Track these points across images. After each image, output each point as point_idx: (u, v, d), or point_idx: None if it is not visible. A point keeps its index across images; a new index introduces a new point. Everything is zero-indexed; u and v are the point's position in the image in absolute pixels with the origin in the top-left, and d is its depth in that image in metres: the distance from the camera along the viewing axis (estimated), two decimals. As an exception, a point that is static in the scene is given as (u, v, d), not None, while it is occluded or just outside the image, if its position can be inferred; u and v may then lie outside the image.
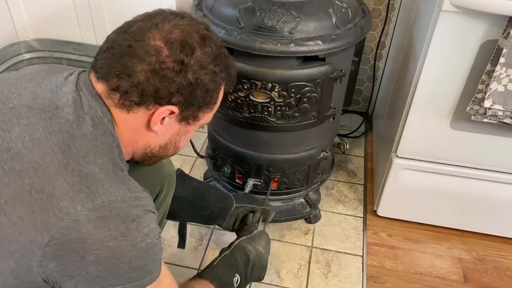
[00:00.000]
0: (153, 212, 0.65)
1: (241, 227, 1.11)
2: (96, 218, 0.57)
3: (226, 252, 0.96)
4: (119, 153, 0.65)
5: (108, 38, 0.66)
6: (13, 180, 0.58)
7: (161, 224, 1.04)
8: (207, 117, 0.74)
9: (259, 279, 1.01)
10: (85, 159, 0.60)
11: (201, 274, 0.90)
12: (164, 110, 0.65)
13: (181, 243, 1.14)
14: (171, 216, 1.07)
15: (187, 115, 0.69)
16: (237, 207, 1.09)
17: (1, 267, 0.59)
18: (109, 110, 0.65)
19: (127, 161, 0.71)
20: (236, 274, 0.92)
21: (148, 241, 0.62)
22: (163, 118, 0.67)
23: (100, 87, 0.64)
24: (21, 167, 0.58)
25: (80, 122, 0.62)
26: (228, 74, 0.72)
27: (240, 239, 1.00)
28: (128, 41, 0.63)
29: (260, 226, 1.08)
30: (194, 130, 0.75)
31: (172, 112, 0.67)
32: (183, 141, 0.76)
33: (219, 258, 0.94)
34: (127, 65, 0.62)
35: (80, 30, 1.61)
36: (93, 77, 0.65)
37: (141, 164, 0.77)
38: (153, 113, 0.65)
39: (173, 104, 0.66)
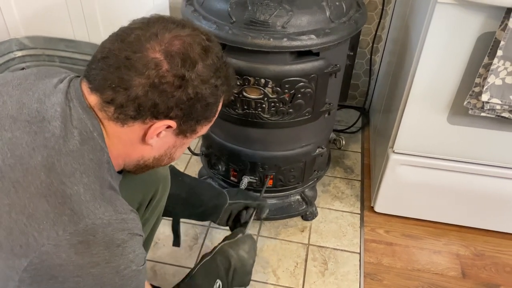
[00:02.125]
0: (140, 235, 0.62)
1: (234, 223, 1.10)
2: (78, 243, 0.54)
3: (207, 258, 0.92)
4: (108, 168, 0.62)
5: (103, 46, 0.62)
6: None
7: (155, 228, 1.03)
8: (204, 129, 0.71)
9: (243, 284, 0.97)
10: (70, 178, 0.57)
11: (180, 285, 0.87)
12: (162, 124, 0.63)
13: (176, 241, 1.12)
14: (164, 213, 1.05)
15: (185, 129, 0.67)
16: (231, 203, 1.07)
17: None
18: (101, 123, 0.62)
19: (119, 172, 0.69)
20: (218, 280, 0.90)
21: (133, 267, 0.59)
22: (160, 132, 0.64)
23: (93, 99, 0.61)
24: (1, 186, 0.55)
25: (68, 137, 0.58)
26: (228, 86, 0.69)
27: (223, 243, 0.96)
28: (125, 52, 0.59)
29: (253, 228, 1.05)
30: (190, 142, 0.73)
31: (169, 126, 0.64)
32: (178, 153, 0.74)
33: (199, 265, 0.91)
34: (124, 78, 0.59)
35: (72, 26, 1.59)
36: (85, 88, 0.62)
37: (133, 174, 0.74)
38: (150, 127, 0.63)
39: (171, 118, 0.63)
